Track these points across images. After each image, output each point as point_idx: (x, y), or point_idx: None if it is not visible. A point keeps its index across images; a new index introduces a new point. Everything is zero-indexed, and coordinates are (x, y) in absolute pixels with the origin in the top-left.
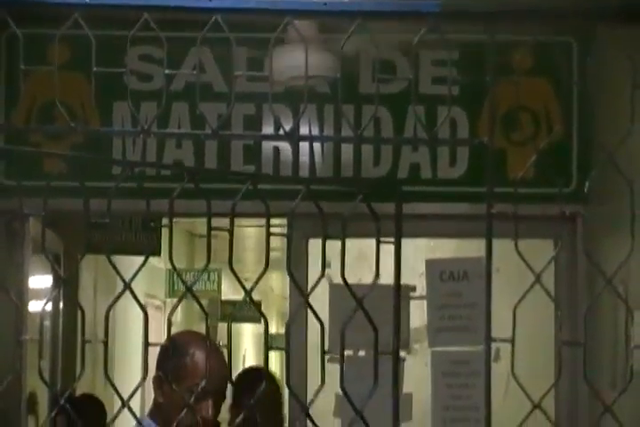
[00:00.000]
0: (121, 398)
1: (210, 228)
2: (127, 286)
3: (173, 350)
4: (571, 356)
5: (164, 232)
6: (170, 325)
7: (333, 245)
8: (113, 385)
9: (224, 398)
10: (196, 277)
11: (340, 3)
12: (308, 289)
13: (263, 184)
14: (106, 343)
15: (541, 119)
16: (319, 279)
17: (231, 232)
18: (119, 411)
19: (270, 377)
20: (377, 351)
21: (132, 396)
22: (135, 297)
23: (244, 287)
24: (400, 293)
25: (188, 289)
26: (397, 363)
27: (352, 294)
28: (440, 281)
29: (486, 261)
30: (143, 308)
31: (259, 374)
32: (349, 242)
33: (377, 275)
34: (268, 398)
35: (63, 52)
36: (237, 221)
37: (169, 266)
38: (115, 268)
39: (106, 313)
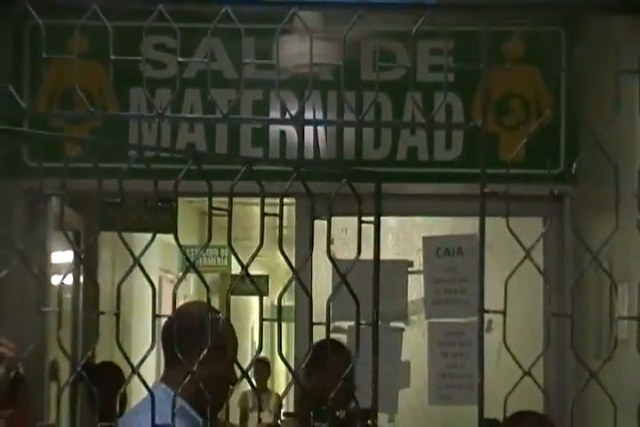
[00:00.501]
0: (130, 365)
1: (211, 207)
2: (136, 261)
3: (187, 322)
4: (558, 327)
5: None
6: (175, 297)
7: (338, 224)
8: (123, 351)
9: None
10: (204, 253)
11: None
12: (314, 265)
13: (266, 166)
14: (117, 315)
15: (531, 105)
16: (309, 256)
17: (229, 212)
18: (130, 377)
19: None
20: (358, 323)
21: (141, 363)
22: (143, 271)
23: (241, 264)
24: (379, 267)
25: (191, 264)
26: (376, 333)
27: (336, 270)
28: (436, 257)
29: (479, 238)
30: (151, 281)
31: (332, 346)
32: (350, 220)
33: (359, 252)
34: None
35: (82, 41)
36: (244, 200)
37: (182, 242)
38: (125, 244)
39: (117, 286)
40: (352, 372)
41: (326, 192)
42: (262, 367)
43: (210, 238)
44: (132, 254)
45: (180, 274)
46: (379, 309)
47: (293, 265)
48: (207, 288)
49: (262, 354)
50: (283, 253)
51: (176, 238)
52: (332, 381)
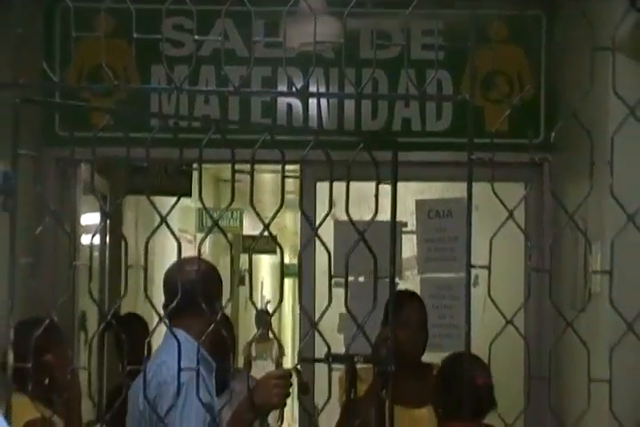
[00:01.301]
0: (157, 314)
1: (234, 172)
2: (163, 220)
3: (209, 277)
4: (538, 281)
5: (195, 176)
6: (200, 253)
7: (338, 188)
8: (151, 302)
9: None
10: (221, 214)
11: None
12: (316, 226)
13: (280, 136)
14: (145, 268)
15: (514, 81)
16: (326, 215)
17: (252, 175)
18: (157, 324)
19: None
20: (376, 277)
21: (169, 313)
22: (170, 228)
23: (263, 223)
24: (396, 226)
25: (216, 223)
26: (394, 287)
27: (355, 229)
28: (428, 218)
29: (467, 201)
30: (176, 237)
31: (406, 295)
32: (352, 185)
33: (376, 212)
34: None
35: (108, 22)
36: (257, 167)
37: (199, 205)
38: (153, 205)
39: (145, 242)
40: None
41: (339, 159)
42: (267, 319)
43: (233, 200)
44: (160, 214)
45: (197, 234)
46: (395, 264)
47: (298, 227)
48: (230, 245)
49: (270, 306)
50: (303, 213)
51: (202, 202)
52: (409, 330)
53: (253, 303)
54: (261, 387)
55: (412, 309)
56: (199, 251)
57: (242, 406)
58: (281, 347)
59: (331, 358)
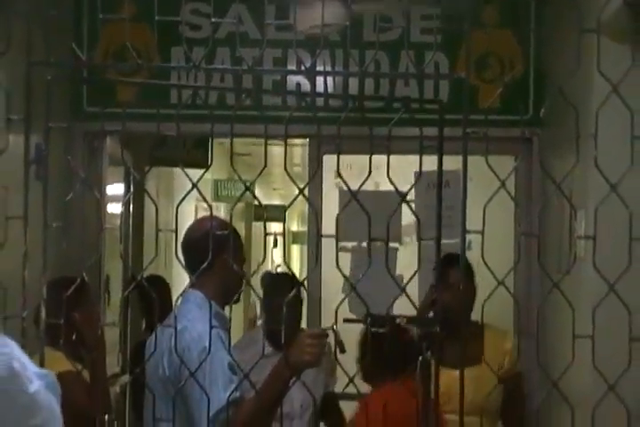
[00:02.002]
0: (190, 276)
1: (266, 145)
2: (194, 186)
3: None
4: (527, 245)
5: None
6: (231, 217)
7: (345, 161)
8: (181, 263)
9: None
10: (233, 185)
11: None
12: (323, 195)
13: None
14: (175, 231)
15: (506, 61)
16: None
17: (285, 144)
18: (187, 287)
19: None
20: (387, 242)
21: (199, 274)
22: (200, 193)
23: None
24: (441, 195)
25: (247, 188)
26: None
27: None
28: (427, 188)
29: (462, 173)
30: (207, 201)
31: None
32: (355, 158)
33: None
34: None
35: (132, 6)
36: (259, 141)
37: (214, 177)
38: (186, 174)
39: (176, 208)
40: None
41: (335, 134)
42: None
43: (265, 167)
44: (192, 182)
45: (213, 203)
46: (440, 227)
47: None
48: (265, 208)
49: (280, 270)
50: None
51: (237, 173)
52: (453, 292)
53: (288, 266)
54: (296, 346)
55: (456, 271)
56: (211, 213)
57: (278, 365)
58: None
59: (370, 319)
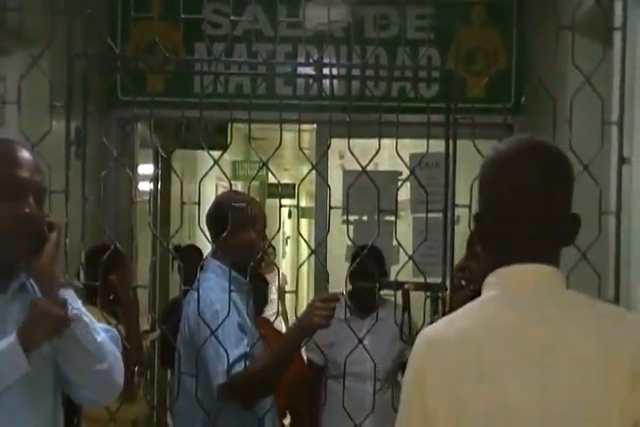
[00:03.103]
0: (212, 245)
1: (281, 130)
2: (215, 162)
3: (242, 208)
4: None
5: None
6: (249, 190)
7: (346, 144)
8: (204, 234)
9: None
10: (249, 166)
11: None
12: (329, 175)
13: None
14: (198, 203)
15: (490, 56)
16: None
17: (299, 126)
18: (208, 255)
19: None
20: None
21: (218, 244)
22: (222, 170)
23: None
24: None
25: (264, 164)
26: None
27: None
28: (419, 168)
29: (452, 154)
30: (228, 178)
31: None
32: (357, 141)
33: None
34: None
35: (160, 6)
36: (277, 126)
37: (232, 158)
38: (210, 155)
39: (199, 182)
40: None
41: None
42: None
43: (281, 146)
44: (213, 158)
45: (232, 182)
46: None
47: (313, 176)
48: (295, 187)
49: (290, 241)
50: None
51: (255, 152)
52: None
53: (302, 236)
54: (307, 309)
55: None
56: (230, 186)
57: (290, 328)
58: (284, 277)
59: (381, 285)
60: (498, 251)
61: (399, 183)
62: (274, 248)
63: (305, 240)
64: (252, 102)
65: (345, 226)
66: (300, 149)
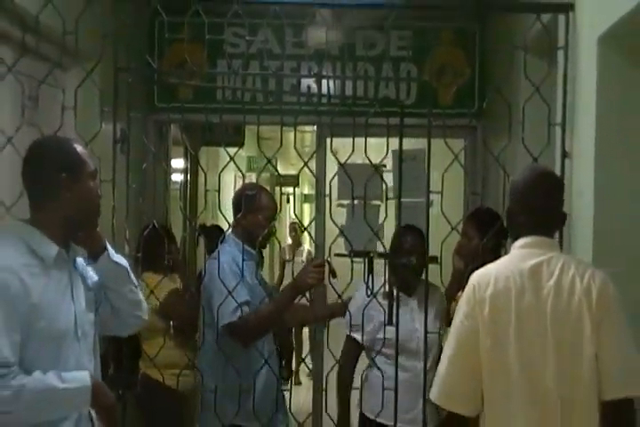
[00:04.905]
0: (228, 223)
1: (295, 129)
2: (231, 159)
3: (253, 195)
4: (473, 201)
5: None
6: (258, 178)
7: (341, 142)
8: (223, 216)
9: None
10: (261, 160)
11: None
12: (327, 167)
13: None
14: (218, 191)
15: (458, 70)
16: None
17: (295, 131)
18: (227, 231)
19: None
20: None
21: (235, 222)
22: (236, 164)
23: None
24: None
25: (269, 161)
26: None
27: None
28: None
29: (427, 150)
30: (241, 171)
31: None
32: (348, 140)
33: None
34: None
35: (189, 29)
36: (285, 128)
37: (247, 154)
38: (227, 152)
39: (219, 174)
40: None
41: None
42: (296, 228)
43: (288, 144)
44: (230, 155)
45: (247, 174)
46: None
47: (314, 169)
48: (279, 176)
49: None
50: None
51: (262, 152)
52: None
53: (318, 212)
54: (302, 272)
55: (470, 222)
56: (243, 177)
57: (288, 285)
58: (309, 253)
59: (352, 254)
60: (519, 229)
61: (383, 174)
62: (300, 226)
63: (300, 220)
64: (262, 108)
65: (338, 209)
66: (295, 148)
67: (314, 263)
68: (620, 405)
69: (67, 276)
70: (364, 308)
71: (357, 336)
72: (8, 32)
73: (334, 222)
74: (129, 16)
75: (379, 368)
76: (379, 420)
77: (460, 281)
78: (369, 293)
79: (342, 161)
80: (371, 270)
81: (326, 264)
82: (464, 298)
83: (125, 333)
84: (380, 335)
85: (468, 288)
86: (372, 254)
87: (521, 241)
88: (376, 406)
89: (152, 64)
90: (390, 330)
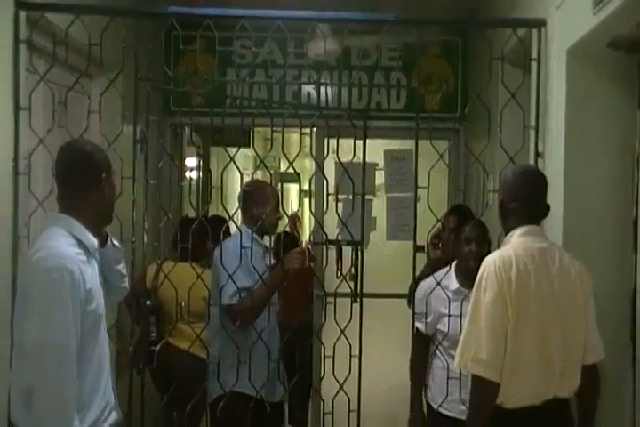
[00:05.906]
0: (228, 215)
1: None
2: (232, 159)
3: (260, 189)
4: (456, 197)
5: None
6: (252, 176)
7: (335, 143)
8: (226, 210)
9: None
10: (265, 158)
11: (341, 14)
12: (325, 167)
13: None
14: (220, 188)
15: (442, 78)
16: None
17: (300, 130)
18: (227, 222)
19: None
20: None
21: (235, 213)
22: (235, 164)
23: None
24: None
25: (262, 161)
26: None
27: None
28: (391, 161)
29: (414, 151)
30: (239, 169)
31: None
32: (342, 141)
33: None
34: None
35: (201, 41)
36: (286, 129)
37: (254, 154)
38: (228, 153)
39: (222, 171)
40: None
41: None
42: (295, 220)
43: (289, 144)
44: (229, 155)
45: (256, 171)
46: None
47: (313, 167)
48: (280, 173)
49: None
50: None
51: (285, 156)
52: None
53: (328, 201)
54: (288, 257)
55: (449, 216)
56: (252, 175)
57: (276, 268)
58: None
59: (327, 242)
60: (512, 219)
61: (375, 172)
62: (298, 217)
63: (296, 215)
64: (268, 112)
65: (335, 203)
66: (282, 150)
67: (297, 250)
68: (595, 366)
69: (96, 262)
70: (426, 296)
71: (419, 325)
72: (42, 46)
73: (339, 216)
74: (148, 30)
75: (443, 359)
76: (440, 410)
77: (433, 267)
78: (338, 274)
79: (336, 160)
80: (340, 256)
81: (306, 251)
82: (490, 278)
83: (111, 302)
84: (440, 327)
85: (490, 269)
86: (342, 242)
87: (520, 229)
88: (437, 395)
89: (168, 73)
90: (447, 322)
